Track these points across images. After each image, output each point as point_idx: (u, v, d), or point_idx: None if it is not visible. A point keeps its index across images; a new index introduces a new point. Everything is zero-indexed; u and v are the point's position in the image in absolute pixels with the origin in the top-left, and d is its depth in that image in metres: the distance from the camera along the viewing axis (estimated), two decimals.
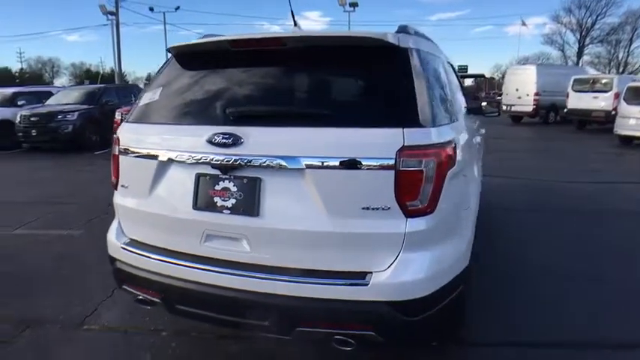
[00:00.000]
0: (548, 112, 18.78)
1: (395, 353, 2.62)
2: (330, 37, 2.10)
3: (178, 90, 2.28)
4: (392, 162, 1.80)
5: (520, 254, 4.11)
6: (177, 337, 2.76)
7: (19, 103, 12.77)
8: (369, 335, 1.89)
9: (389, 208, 1.82)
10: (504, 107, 20.20)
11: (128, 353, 2.66)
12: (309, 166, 1.86)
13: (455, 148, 2.03)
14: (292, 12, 2.41)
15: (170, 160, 2.11)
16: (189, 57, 2.35)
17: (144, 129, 2.26)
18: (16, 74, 58.28)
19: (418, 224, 1.85)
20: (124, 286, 2.33)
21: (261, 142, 1.93)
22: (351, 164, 1.83)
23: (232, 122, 2.02)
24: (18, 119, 11.32)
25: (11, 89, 14.30)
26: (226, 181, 2.00)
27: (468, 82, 74.91)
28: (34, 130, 11.00)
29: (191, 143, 2.04)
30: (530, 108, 18.45)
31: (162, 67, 2.50)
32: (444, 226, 1.97)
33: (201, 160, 2.01)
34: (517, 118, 19.78)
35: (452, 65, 3.71)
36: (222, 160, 1.96)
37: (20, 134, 11.31)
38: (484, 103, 4.64)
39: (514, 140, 13.68)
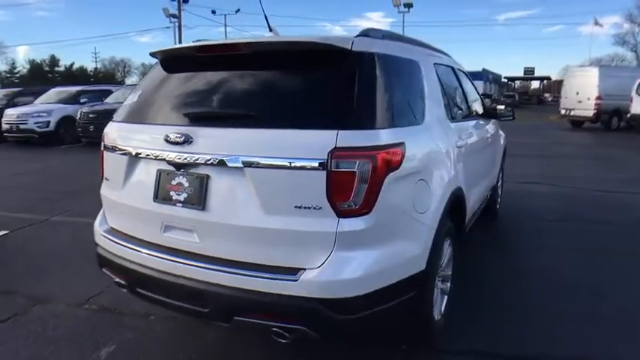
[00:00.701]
0: (611, 118, 17.58)
1: (360, 353, 2.66)
2: (280, 43, 2.21)
3: (153, 92, 2.47)
4: (323, 162, 1.86)
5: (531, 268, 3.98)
6: (163, 322, 2.96)
7: (82, 100, 13.82)
8: (303, 330, 1.97)
9: (320, 207, 1.88)
10: (563, 111, 19.15)
11: (113, 330, 2.89)
12: (247, 165, 1.97)
13: (403, 152, 2.05)
14: (266, 17, 2.52)
15: (138, 156, 2.31)
16: (167, 62, 2.53)
17: (122, 127, 2.47)
18: (91, 73, 62.61)
19: (351, 225, 1.90)
20: (104, 269, 2.55)
21: (207, 141, 2.07)
22: (286, 164, 1.91)
23: (186, 123, 2.17)
24: (78, 116, 12.28)
25: (77, 87, 15.50)
26: (180, 177, 2.16)
27: (535, 84, 71.48)
28: (92, 126, 11.85)
29: (153, 141, 2.22)
30: (590, 113, 17.39)
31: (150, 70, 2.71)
32: (383, 228, 2.00)
33: (159, 157, 2.19)
34: (578, 123, 18.71)
35: (454, 69, 3.65)
36: (176, 158, 2.12)
37: (80, 130, 12.26)
38: (500, 107, 4.54)
39: (568, 146, 13.02)
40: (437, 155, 2.51)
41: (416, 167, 2.20)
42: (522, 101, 47.37)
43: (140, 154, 2.29)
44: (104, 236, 2.50)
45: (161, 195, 2.22)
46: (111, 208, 2.56)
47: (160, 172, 2.23)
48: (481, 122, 4.00)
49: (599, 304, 3.19)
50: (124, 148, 2.38)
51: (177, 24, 31.22)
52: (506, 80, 62.04)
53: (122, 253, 2.35)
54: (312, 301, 1.88)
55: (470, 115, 3.74)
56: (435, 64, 3.01)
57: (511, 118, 4.51)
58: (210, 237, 2.10)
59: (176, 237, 2.19)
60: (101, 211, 2.68)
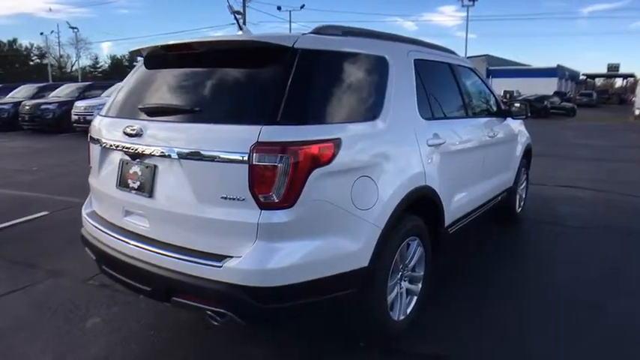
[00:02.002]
0: None
1: (319, 349, 2.72)
2: (228, 42, 2.34)
3: (129, 87, 2.68)
4: (246, 156, 1.95)
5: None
6: (149, 300, 3.20)
7: None
8: (230, 315, 2.08)
9: (244, 199, 1.98)
10: (637, 112, 17.68)
11: (103, 304, 3.16)
12: (182, 157, 2.13)
13: (335, 148, 2.09)
14: (235, 17, 2.64)
15: (108, 147, 2.53)
16: (146, 59, 2.72)
17: (101, 121, 2.70)
18: None
19: (273, 217, 1.98)
20: (86, 249, 2.81)
21: (154, 133, 2.25)
22: (214, 157, 2.03)
23: (141, 117, 2.37)
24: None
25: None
26: (135, 166, 2.35)
27: (618, 82, 65.95)
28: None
29: (117, 133, 2.44)
30: None
31: None
32: (310, 221, 2.06)
33: (119, 148, 2.40)
34: None
35: (452, 66, 3.57)
36: (131, 149, 2.32)
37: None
38: (516, 105, 4.45)
39: (636, 149, 11.97)
40: (391, 152, 2.48)
41: (356, 163, 2.23)
42: (601, 100, 44.13)
43: (109, 145, 2.51)
44: (86, 218, 2.76)
45: (122, 182, 2.43)
46: (93, 194, 2.81)
47: (121, 162, 2.44)
48: (484, 121, 3.87)
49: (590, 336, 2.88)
50: (99, 139, 2.61)
51: (241, 20, 32.26)
52: (584, 77, 57.88)
53: (95, 233, 2.59)
54: (235, 287, 1.98)
55: (469, 114, 3.64)
56: (417, 60, 2.98)
57: (524, 117, 4.37)
58: (157, 222, 2.28)
59: (133, 221, 2.39)
60: (88, 196, 2.94)
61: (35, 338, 2.77)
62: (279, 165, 1.95)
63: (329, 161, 2.07)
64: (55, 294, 3.36)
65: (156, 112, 2.34)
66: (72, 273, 3.71)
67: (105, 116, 2.69)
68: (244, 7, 31.56)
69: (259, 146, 1.94)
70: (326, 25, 2.47)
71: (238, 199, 1.99)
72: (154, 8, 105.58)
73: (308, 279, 2.07)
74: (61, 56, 61.99)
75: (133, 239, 2.34)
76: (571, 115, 25.44)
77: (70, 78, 47.15)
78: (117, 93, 2.76)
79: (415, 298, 2.88)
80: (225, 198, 2.02)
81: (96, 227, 2.59)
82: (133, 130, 2.30)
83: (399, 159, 2.53)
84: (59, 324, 2.94)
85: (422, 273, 2.91)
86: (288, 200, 1.98)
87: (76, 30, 45.11)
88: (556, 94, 29.28)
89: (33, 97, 16.41)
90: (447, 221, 3.13)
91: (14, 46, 60.45)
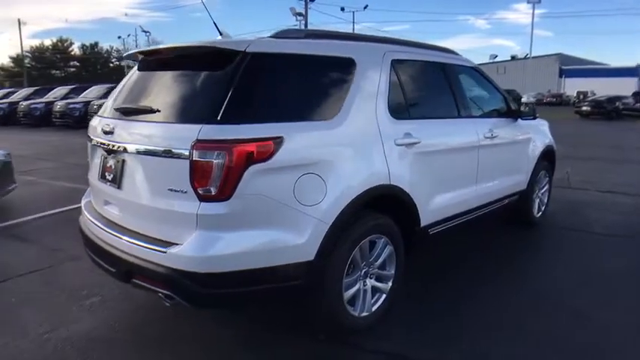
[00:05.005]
0: None
1: (281, 342, 2.84)
2: (189, 47, 2.54)
3: (118, 90, 2.95)
4: (187, 152, 2.13)
5: None
6: None
7: None
8: (177, 298, 2.26)
9: (186, 191, 2.17)
10: None
11: (107, 286, 3.45)
12: (140, 152, 2.37)
13: (275, 146, 2.20)
14: (215, 23, 2.81)
15: (94, 144, 2.83)
16: (139, 62, 2.98)
17: (94, 120, 2.99)
18: None
19: (210, 208, 2.14)
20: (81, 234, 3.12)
21: (121, 131, 2.52)
22: (164, 152, 2.24)
23: (115, 116, 2.66)
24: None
25: None
26: (110, 160, 2.63)
27: None
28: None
29: (99, 131, 2.72)
30: None
31: None
32: (248, 214, 2.19)
33: (100, 144, 2.70)
34: None
35: (445, 66, 3.53)
36: (106, 145, 2.61)
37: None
38: (525, 108, 4.33)
39: None
40: (345, 151, 2.54)
41: (301, 161, 2.32)
42: None
43: (95, 142, 2.81)
44: (82, 208, 3.07)
45: (102, 175, 2.72)
46: (90, 185, 3.12)
47: (102, 156, 2.72)
48: (481, 122, 3.76)
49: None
50: (90, 137, 2.91)
51: (302, 22, 32.77)
52: None
53: (85, 221, 2.89)
54: (177, 272, 2.17)
55: (461, 114, 3.56)
56: (395, 60, 3.00)
57: (532, 117, 4.23)
58: (124, 211, 2.54)
59: (109, 210, 2.68)
60: (88, 188, 3.27)
61: (38, 312, 3.12)
62: (215, 161, 2.11)
63: (267, 158, 2.19)
64: (69, 275, 3.73)
65: (125, 112, 2.61)
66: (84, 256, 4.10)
67: (98, 116, 2.99)
68: (306, 9, 32.08)
69: (198, 143, 2.11)
70: (288, 29, 2.60)
71: (182, 192, 2.18)
72: (227, 11, 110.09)
73: (246, 268, 2.21)
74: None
75: (108, 226, 2.60)
76: None
77: None
78: (112, 95, 3.04)
79: (384, 296, 2.90)
80: (172, 190, 2.22)
81: (86, 215, 2.88)
82: (108, 128, 2.59)
83: (354, 158, 2.58)
84: (62, 301, 3.28)
85: (392, 272, 2.93)
86: (225, 193, 2.13)
87: (148, 33, 48.21)
88: (635, 94, 27.05)
89: (101, 97, 18.08)
90: (425, 222, 3.11)
91: (95, 49, 65.94)
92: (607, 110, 22.79)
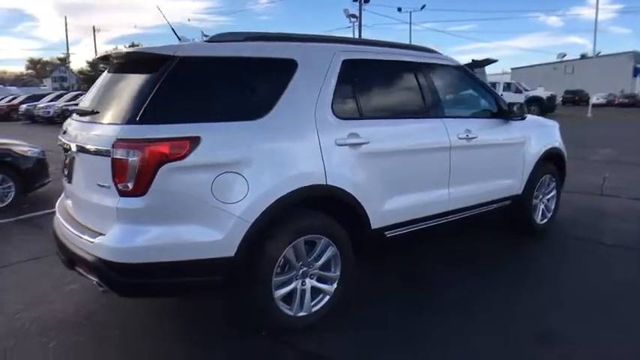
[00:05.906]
0: None
1: (221, 337, 2.93)
2: (128, 53, 2.78)
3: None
4: (109, 151, 2.31)
5: None
6: None
7: None
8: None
9: (109, 186, 2.35)
10: None
11: None
12: (79, 150, 2.62)
13: (191, 145, 2.31)
14: (172, 27, 2.98)
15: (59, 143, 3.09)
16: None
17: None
18: None
19: (128, 203, 2.32)
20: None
21: (72, 131, 2.78)
22: (94, 150, 2.46)
23: (72, 117, 2.92)
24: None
25: None
26: (67, 158, 2.87)
27: None
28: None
29: (62, 130, 2.97)
30: None
31: None
32: (164, 209, 2.34)
33: (60, 143, 2.95)
34: None
35: (416, 66, 3.46)
36: (63, 143, 2.88)
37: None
38: (514, 109, 4.13)
39: None
40: (272, 151, 2.58)
41: (220, 159, 2.42)
42: None
43: (59, 140, 3.06)
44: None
45: (63, 171, 2.99)
46: None
47: (63, 154, 2.95)
48: (454, 122, 3.58)
49: None
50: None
51: (356, 23, 32.71)
52: None
53: (55, 215, 3.15)
54: (100, 260, 2.35)
55: (430, 114, 3.45)
56: (347, 60, 3.00)
57: (520, 118, 4.04)
58: (74, 204, 2.81)
59: (68, 203, 2.95)
60: None
61: (22, 295, 3.43)
62: (130, 159, 2.26)
63: (183, 157, 2.30)
64: (61, 264, 4.05)
65: (78, 113, 2.87)
66: None
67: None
68: (360, 10, 31.99)
69: (117, 142, 2.30)
70: (227, 33, 2.69)
71: (107, 187, 2.37)
72: (289, 15, 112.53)
73: (163, 260, 2.34)
74: None
75: (65, 218, 2.84)
76: None
77: None
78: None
79: (327, 297, 2.91)
80: (100, 185, 2.43)
81: (57, 209, 3.14)
82: (65, 128, 2.88)
83: (282, 158, 2.62)
84: (47, 286, 3.59)
85: (337, 273, 2.93)
86: (140, 189, 2.28)
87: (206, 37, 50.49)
88: None
89: None
90: (379, 224, 3.08)
91: None
92: None
